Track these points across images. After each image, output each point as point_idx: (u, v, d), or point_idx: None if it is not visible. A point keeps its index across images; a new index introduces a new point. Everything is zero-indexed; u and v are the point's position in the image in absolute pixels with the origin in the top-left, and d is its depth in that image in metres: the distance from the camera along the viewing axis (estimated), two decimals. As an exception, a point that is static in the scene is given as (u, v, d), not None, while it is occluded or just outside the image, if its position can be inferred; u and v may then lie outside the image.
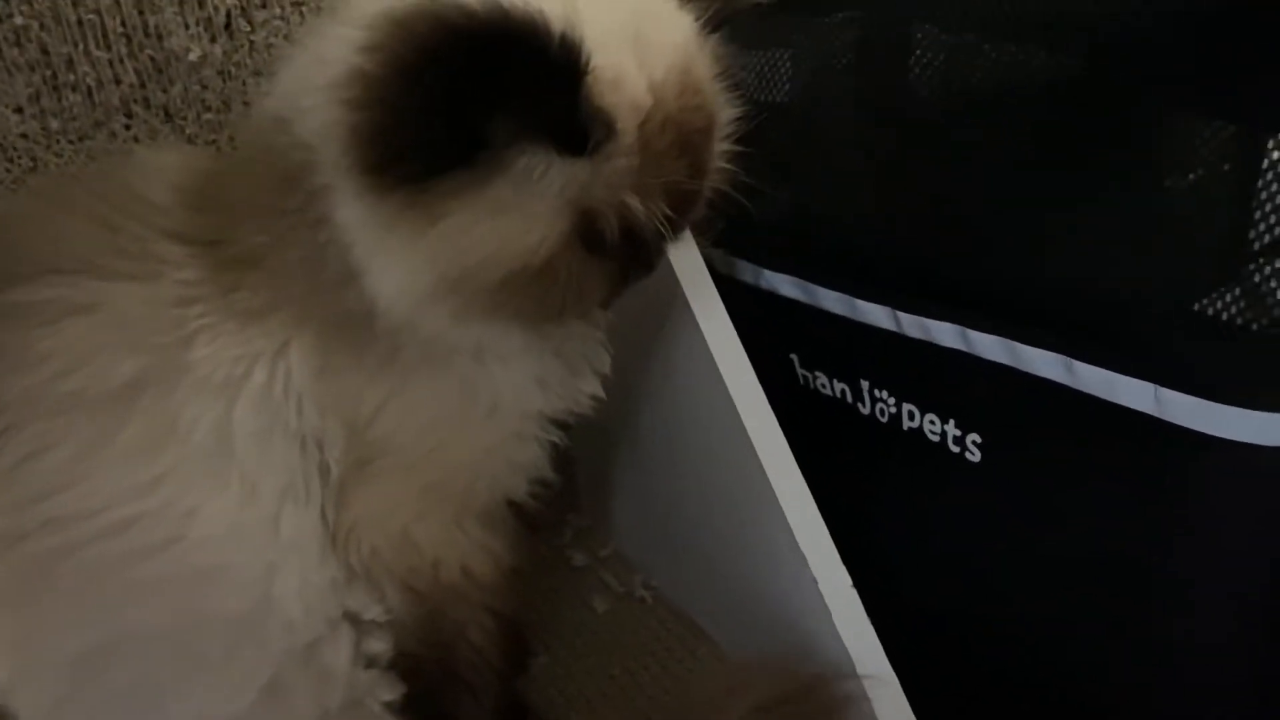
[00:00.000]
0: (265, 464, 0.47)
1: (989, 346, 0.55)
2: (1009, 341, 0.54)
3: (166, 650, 0.47)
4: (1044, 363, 0.53)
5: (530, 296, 0.46)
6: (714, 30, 0.49)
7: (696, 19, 0.48)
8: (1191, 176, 0.49)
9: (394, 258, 0.45)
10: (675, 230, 0.48)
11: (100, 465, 0.45)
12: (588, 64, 0.42)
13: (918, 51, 0.60)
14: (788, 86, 0.68)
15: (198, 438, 0.46)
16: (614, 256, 0.47)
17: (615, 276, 0.49)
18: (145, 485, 0.45)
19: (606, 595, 0.74)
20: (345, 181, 0.44)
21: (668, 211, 0.46)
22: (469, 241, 0.44)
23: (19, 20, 0.57)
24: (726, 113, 0.50)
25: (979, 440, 0.58)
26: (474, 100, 0.41)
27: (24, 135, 0.59)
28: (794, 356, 0.68)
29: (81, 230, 0.47)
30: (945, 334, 0.57)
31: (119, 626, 0.46)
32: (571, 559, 0.78)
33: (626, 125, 0.44)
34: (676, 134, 0.46)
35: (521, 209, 0.44)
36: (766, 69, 0.68)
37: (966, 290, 0.56)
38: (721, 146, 0.50)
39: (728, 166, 0.50)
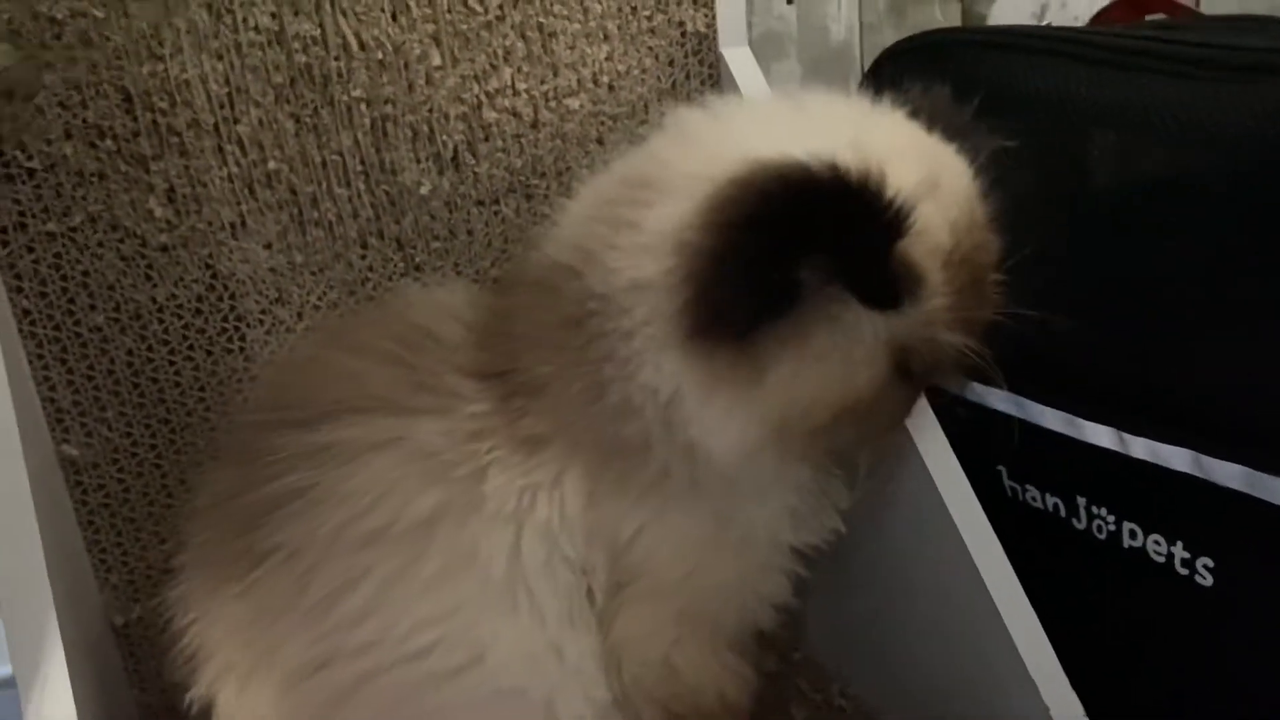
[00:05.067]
0: (549, 591, 0.49)
1: (1227, 474, 0.54)
2: (1251, 470, 0.53)
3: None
4: (1290, 493, 0.52)
5: (851, 428, 0.49)
6: (978, 173, 0.52)
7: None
8: None
9: (724, 412, 0.46)
10: (975, 355, 0.50)
11: (402, 596, 0.47)
12: (911, 226, 0.44)
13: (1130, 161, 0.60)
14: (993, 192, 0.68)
15: (493, 568, 0.48)
16: (919, 380, 0.50)
17: (915, 395, 0.52)
18: (444, 613, 0.48)
19: (804, 703, 0.74)
20: (665, 342, 0.46)
21: (969, 342, 0.49)
22: (798, 390, 0.46)
23: (272, 165, 0.61)
24: (998, 243, 0.52)
25: (1211, 565, 0.57)
26: (794, 248, 0.44)
27: (272, 269, 0.63)
28: (1001, 468, 0.68)
29: (376, 370, 0.50)
30: (1177, 458, 0.57)
31: None
32: (763, 661, 0.78)
33: (933, 271, 0.47)
34: (971, 270, 0.49)
35: (845, 355, 0.46)
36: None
37: (1203, 413, 0.55)
38: (996, 275, 0.52)
39: (1001, 294, 0.52)
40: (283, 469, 0.47)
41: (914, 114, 0.52)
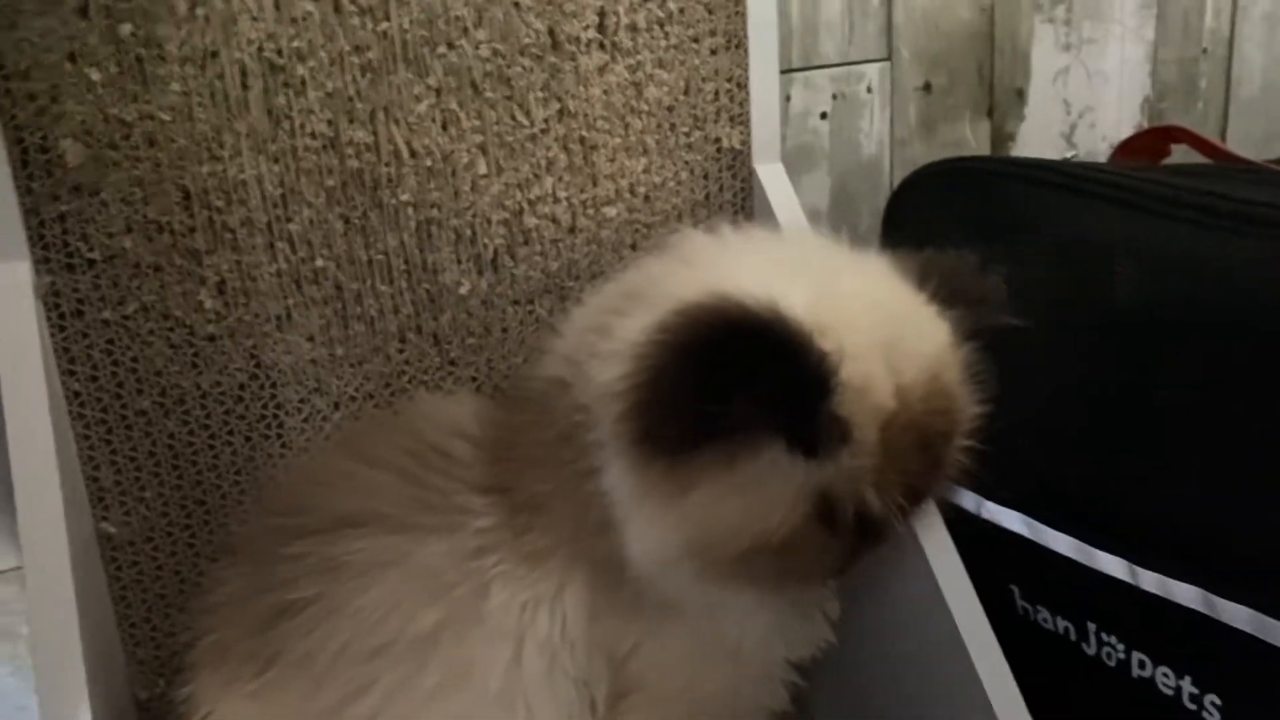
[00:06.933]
0: (549, 702, 0.51)
1: (1236, 615, 0.55)
2: (1260, 615, 0.54)
3: None
4: (1299, 640, 0.53)
5: (768, 567, 0.49)
6: (968, 339, 0.52)
7: (953, 328, 0.51)
8: None
9: (648, 520, 0.48)
10: (909, 517, 0.51)
11: (405, 706, 0.49)
12: (836, 384, 0.45)
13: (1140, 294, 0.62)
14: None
15: (492, 682, 0.50)
16: (849, 534, 0.50)
17: (849, 550, 0.51)
18: None
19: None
20: (615, 448, 0.48)
21: (902, 502, 0.49)
22: (715, 514, 0.47)
23: (319, 263, 0.64)
24: (970, 412, 0.52)
25: (1219, 702, 0.58)
26: (725, 379, 0.45)
27: (313, 361, 0.65)
28: (1014, 588, 0.69)
29: (388, 485, 0.52)
30: (1187, 595, 0.58)
31: None
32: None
33: (866, 429, 0.47)
34: (918, 435, 0.49)
35: (764, 492, 0.47)
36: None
37: (1213, 552, 0.56)
38: (962, 443, 0.52)
39: (966, 460, 0.53)
40: (296, 576, 0.50)
41: (924, 274, 0.52)
